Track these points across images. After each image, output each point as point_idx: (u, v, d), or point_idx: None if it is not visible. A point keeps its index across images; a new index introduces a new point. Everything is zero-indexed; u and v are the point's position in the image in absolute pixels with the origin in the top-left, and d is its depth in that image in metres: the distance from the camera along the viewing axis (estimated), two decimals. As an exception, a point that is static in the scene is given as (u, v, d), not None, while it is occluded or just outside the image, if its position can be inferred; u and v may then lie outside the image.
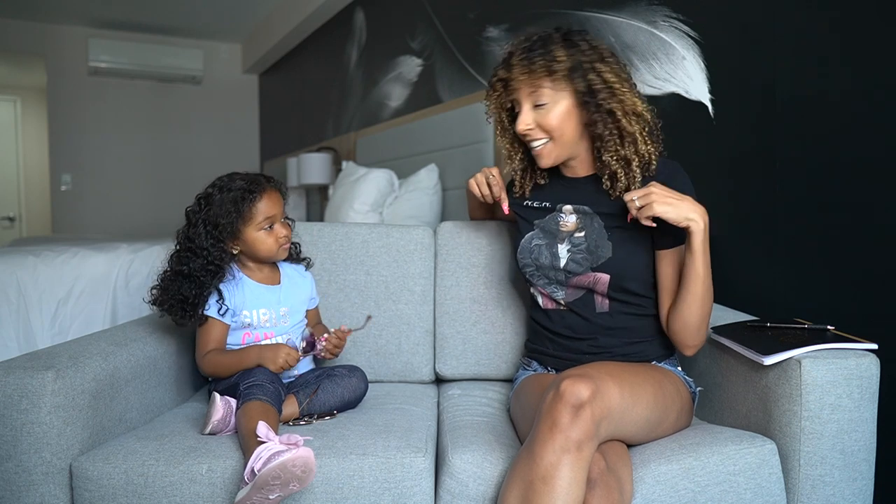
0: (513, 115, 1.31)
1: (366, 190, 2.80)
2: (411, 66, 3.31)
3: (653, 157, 1.25)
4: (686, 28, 1.75)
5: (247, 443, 1.10)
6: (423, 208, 2.66)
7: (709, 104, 1.70)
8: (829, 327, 1.23)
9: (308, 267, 1.55)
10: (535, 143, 1.27)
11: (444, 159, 2.76)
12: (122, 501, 1.08)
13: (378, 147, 3.43)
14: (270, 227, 1.38)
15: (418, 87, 3.25)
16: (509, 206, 1.41)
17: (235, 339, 1.40)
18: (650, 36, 1.86)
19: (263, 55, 5.29)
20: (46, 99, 5.28)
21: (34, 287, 2.25)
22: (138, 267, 2.40)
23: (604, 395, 1.00)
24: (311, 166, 3.77)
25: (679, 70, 1.78)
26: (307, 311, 1.52)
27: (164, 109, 5.67)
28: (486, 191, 1.41)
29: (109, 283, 2.36)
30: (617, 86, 1.20)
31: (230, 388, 1.29)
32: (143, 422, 1.32)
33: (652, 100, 1.85)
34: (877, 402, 1.13)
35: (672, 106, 1.80)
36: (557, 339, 1.35)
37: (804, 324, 1.26)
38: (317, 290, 1.56)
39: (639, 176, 1.24)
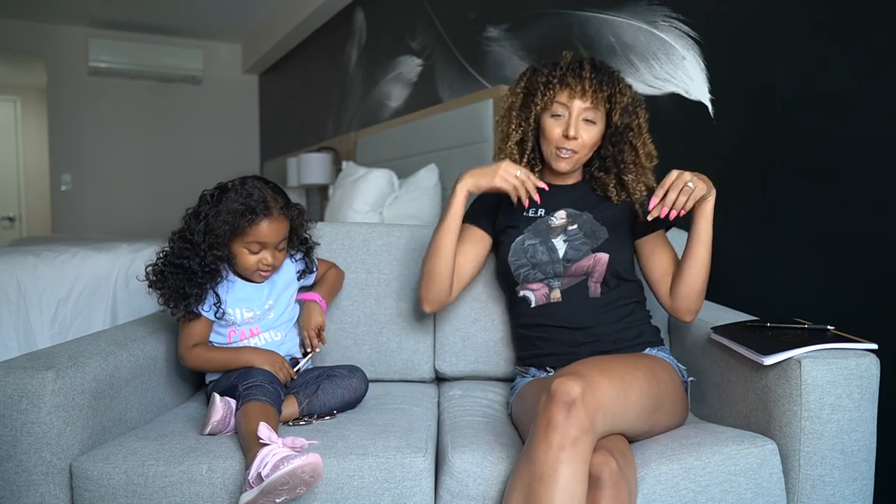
0: (537, 120, 1.38)
1: (366, 190, 2.79)
2: (411, 66, 3.31)
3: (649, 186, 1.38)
4: (686, 28, 1.76)
5: (247, 444, 1.10)
6: (424, 208, 2.65)
7: (709, 104, 1.70)
8: (829, 327, 1.23)
9: (302, 275, 1.51)
10: (564, 152, 1.35)
11: (444, 159, 2.76)
12: (122, 501, 1.08)
13: (378, 147, 3.43)
14: (257, 252, 1.35)
15: (418, 87, 3.25)
16: (505, 220, 1.45)
17: (222, 338, 1.40)
18: (650, 36, 1.86)
19: (263, 55, 5.29)
20: (46, 99, 5.28)
21: (34, 287, 2.25)
22: (138, 267, 2.39)
23: (594, 389, 1.01)
24: (311, 166, 3.77)
25: (679, 70, 1.78)
26: (302, 288, 1.50)
27: (164, 109, 5.67)
28: (527, 191, 1.32)
29: (109, 283, 2.36)
30: (645, 129, 1.38)
31: (229, 388, 1.29)
32: (143, 422, 1.32)
33: (652, 100, 1.86)
34: (877, 402, 1.13)
35: (672, 106, 1.80)
36: (551, 332, 1.36)
37: (804, 324, 1.26)
38: (315, 264, 1.52)
39: (636, 193, 1.38)
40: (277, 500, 1.01)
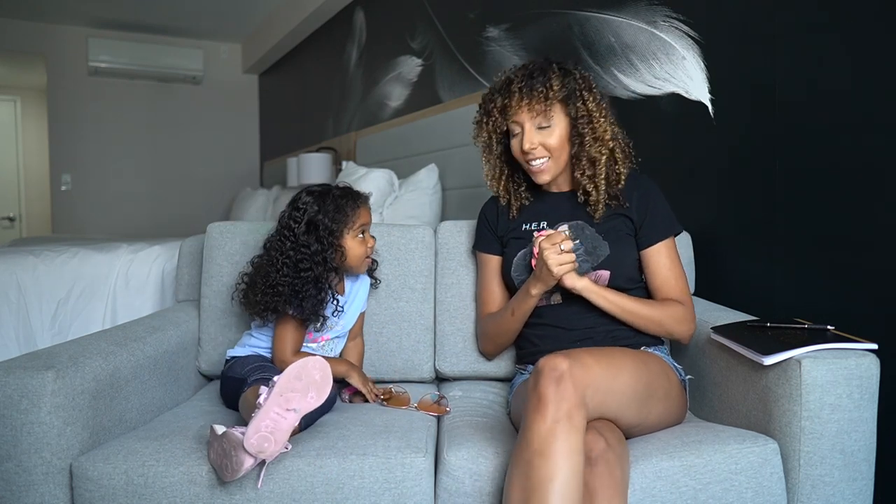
0: (503, 141, 1.41)
1: (366, 190, 2.79)
2: (411, 66, 3.31)
3: (621, 177, 1.35)
4: (686, 28, 1.76)
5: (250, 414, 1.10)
6: (423, 208, 2.65)
7: (709, 104, 1.70)
8: (829, 327, 1.23)
9: (374, 284, 1.57)
10: (535, 162, 1.35)
11: (444, 159, 2.76)
12: (122, 501, 1.08)
13: (378, 147, 3.43)
14: (363, 234, 1.42)
15: (418, 87, 3.25)
16: (505, 234, 1.47)
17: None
18: (650, 36, 1.86)
19: (263, 55, 5.29)
20: (46, 99, 5.28)
21: (34, 287, 2.25)
22: (138, 267, 2.39)
23: (581, 364, 1.03)
24: (311, 166, 3.77)
25: (679, 70, 1.78)
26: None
27: (164, 109, 5.66)
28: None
29: (109, 283, 2.36)
30: (595, 114, 1.31)
31: (240, 380, 1.30)
32: (143, 422, 1.32)
33: (652, 100, 1.86)
34: (877, 402, 1.13)
35: (672, 106, 1.80)
36: (549, 331, 1.37)
37: (804, 324, 1.26)
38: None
39: (604, 194, 1.34)
40: (288, 408, 1.02)
